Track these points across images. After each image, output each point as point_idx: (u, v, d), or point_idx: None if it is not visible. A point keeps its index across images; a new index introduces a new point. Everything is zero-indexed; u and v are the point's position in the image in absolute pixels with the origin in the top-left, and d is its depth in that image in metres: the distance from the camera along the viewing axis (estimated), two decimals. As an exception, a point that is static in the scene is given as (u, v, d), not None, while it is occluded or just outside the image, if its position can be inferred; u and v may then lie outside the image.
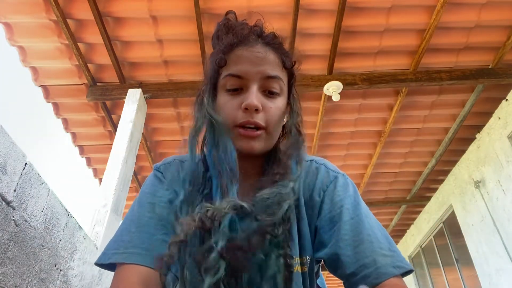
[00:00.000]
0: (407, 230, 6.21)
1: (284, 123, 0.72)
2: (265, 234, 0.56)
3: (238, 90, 0.67)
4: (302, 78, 3.21)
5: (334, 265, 0.61)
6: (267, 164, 0.70)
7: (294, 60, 0.72)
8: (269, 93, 0.68)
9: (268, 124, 0.66)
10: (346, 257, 0.59)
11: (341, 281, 0.61)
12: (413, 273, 6.11)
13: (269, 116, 0.66)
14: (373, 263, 0.57)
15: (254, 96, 0.65)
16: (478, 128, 4.05)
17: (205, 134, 0.71)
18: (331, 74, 3.20)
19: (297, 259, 0.64)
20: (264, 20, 0.74)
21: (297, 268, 0.63)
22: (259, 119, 0.65)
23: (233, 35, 0.70)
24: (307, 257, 0.65)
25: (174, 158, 0.76)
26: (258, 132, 0.65)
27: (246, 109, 0.64)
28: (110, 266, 0.62)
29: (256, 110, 0.64)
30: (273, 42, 0.70)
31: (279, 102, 0.68)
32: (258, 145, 0.66)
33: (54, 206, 1.63)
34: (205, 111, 0.68)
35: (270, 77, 0.67)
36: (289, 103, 0.73)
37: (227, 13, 0.75)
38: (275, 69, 0.68)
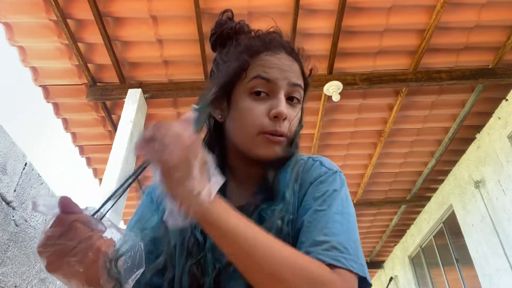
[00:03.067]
0: (407, 230, 6.20)
1: None
2: None
3: (264, 95, 0.66)
4: (302, 78, 3.21)
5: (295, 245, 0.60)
6: (267, 170, 0.68)
7: (311, 71, 0.74)
8: (290, 100, 0.68)
9: (289, 132, 0.67)
10: (299, 240, 0.59)
11: None
12: (413, 273, 6.13)
13: (292, 126, 0.67)
14: (315, 252, 0.54)
15: (284, 104, 0.65)
16: (478, 128, 4.05)
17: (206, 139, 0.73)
18: (331, 74, 3.20)
19: None
20: (265, 21, 0.75)
21: None
22: (284, 128, 0.66)
23: (257, 40, 0.71)
24: None
25: None
26: (282, 138, 0.66)
27: (275, 117, 0.65)
28: None
29: (284, 118, 0.65)
30: (294, 52, 0.72)
31: (297, 110, 0.70)
32: (280, 151, 0.66)
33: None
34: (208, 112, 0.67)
35: (295, 85, 0.68)
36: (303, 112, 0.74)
37: (224, 12, 0.76)
38: (298, 78, 0.70)
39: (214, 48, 0.78)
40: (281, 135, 0.65)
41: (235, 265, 0.51)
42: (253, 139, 0.65)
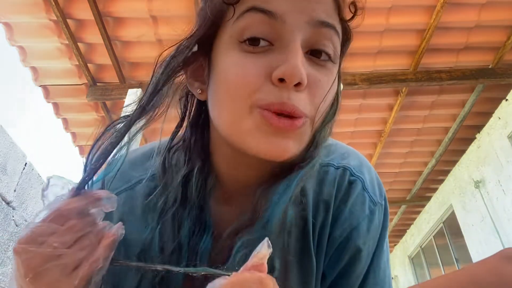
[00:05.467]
0: (407, 230, 6.20)
1: None
2: None
3: (264, 44, 0.39)
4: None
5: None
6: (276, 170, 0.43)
7: (355, 7, 0.44)
8: (316, 56, 0.40)
9: (315, 110, 0.39)
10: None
11: None
12: (413, 273, 6.14)
13: (318, 97, 0.39)
14: None
15: (300, 58, 0.37)
16: (478, 128, 4.05)
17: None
18: (331, 74, 3.19)
19: None
20: None
21: None
22: (300, 102, 0.38)
23: None
24: None
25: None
26: (299, 121, 0.38)
27: (281, 80, 0.37)
28: None
29: (299, 84, 0.37)
30: None
31: (331, 76, 0.41)
32: (294, 146, 0.39)
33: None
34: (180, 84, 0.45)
35: (324, 25, 0.40)
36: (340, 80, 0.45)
37: None
38: (330, 15, 0.41)
39: None
40: (293, 115, 0.38)
41: None
42: (243, 119, 0.39)
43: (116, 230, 0.37)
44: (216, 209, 0.46)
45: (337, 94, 0.45)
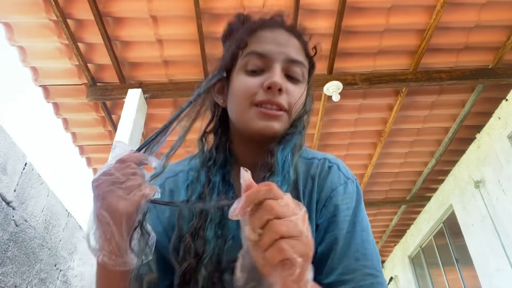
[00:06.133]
0: (407, 230, 6.21)
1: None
2: None
3: (259, 72, 0.63)
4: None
5: (315, 269, 0.53)
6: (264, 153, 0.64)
7: (315, 49, 0.69)
8: (290, 78, 0.64)
9: (290, 107, 0.62)
10: (328, 266, 0.58)
11: None
12: (413, 273, 6.13)
13: (292, 99, 0.63)
14: (352, 281, 0.56)
15: (279, 75, 0.61)
16: (478, 128, 4.05)
17: (213, 125, 0.71)
18: (331, 74, 3.20)
19: None
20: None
21: None
22: (281, 100, 0.61)
23: (254, 21, 0.69)
24: None
25: (166, 177, 0.71)
26: (281, 113, 0.61)
27: (268, 88, 0.60)
28: None
29: (280, 90, 0.60)
30: (295, 30, 0.68)
31: (301, 89, 0.65)
32: (278, 126, 0.62)
33: (54, 206, 1.63)
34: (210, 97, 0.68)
35: (294, 61, 0.64)
36: (310, 91, 0.70)
37: (237, 14, 0.75)
38: (299, 54, 0.65)
39: (224, 42, 0.75)
40: (277, 108, 0.61)
41: None
42: (247, 112, 0.62)
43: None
44: (236, 178, 0.66)
45: (306, 100, 0.68)
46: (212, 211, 0.60)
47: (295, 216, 0.40)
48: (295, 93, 0.63)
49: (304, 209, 0.42)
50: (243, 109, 0.62)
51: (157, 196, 0.52)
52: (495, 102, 3.72)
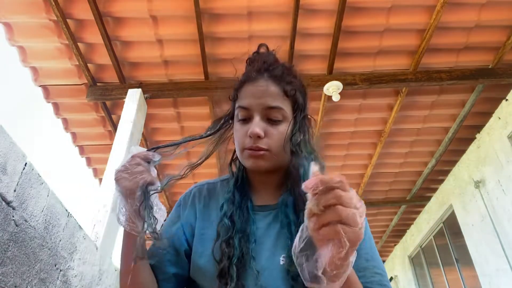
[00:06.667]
0: (407, 230, 6.21)
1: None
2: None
3: (247, 120, 0.78)
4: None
5: None
6: (285, 177, 0.81)
7: (294, 89, 0.80)
8: (272, 121, 0.77)
9: (271, 147, 0.76)
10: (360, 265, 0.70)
11: None
12: (413, 273, 6.14)
13: (272, 141, 0.76)
14: (363, 277, 0.69)
15: (255, 126, 0.75)
16: (478, 128, 4.05)
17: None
18: (331, 74, 3.20)
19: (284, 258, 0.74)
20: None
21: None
22: (263, 144, 0.75)
23: (244, 73, 0.84)
24: None
25: (207, 182, 0.93)
26: (262, 152, 0.76)
27: (250, 136, 0.76)
28: None
29: (258, 137, 0.75)
30: (275, 74, 0.80)
31: (282, 128, 0.77)
32: (264, 163, 0.77)
33: (54, 206, 1.63)
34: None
35: (271, 108, 0.77)
36: (296, 125, 0.80)
37: (259, 47, 0.86)
38: (275, 100, 0.77)
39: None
40: (259, 150, 0.75)
41: None
42: (241, 154, 0.79)
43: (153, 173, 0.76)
44: (254, 195, 0.84)
45: (294, 129, 0.79)
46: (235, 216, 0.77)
47: (356, 210, 0.48)
48: (274, 135, 0.76)
49: (364, 206, 0.49)
50: (239, 152, 0.79)
51: (156, 183, 0.74)
52: (495, 102, 3.72)
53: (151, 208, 0.72)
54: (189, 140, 0.82)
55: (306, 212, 0.50)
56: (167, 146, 0.79)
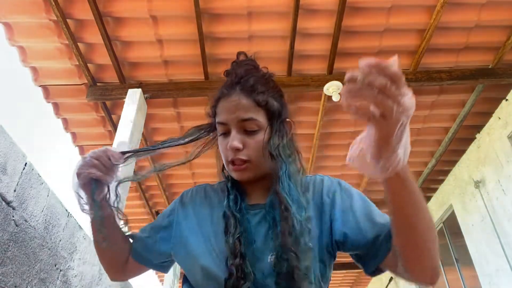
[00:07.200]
0: (407, 230, 6.20)
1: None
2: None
3: (226, 134, 0.82)
4: (302, 78, 3.22)
5: (355, 239, 0.77)
6: (272, 181, 0.83)
7: (266, 99, 0.82)
8: (248, 132, 0.81)
9: (251, 157, 0.80)
10: (367, 227, 0.77)
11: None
12: (413, 273, 6.13)
13: (251, 151, 0.80)
14: (386, 227, 0.75)
15: (233, 139, 0.79)
16: (478, 128, 4.05)
17: None
18: (331, 74, 3.20)
19: None
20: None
21: None
22: (243, 155, 0.79)
23: (219, 90, 0.87)
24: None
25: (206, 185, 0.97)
26: (244, 165, 0.80)
27: (231, 149, 0.80)
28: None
29: (237, 149, 0.79)
30: (245, 87, 0.82)
31: (259, 137, 0.81)
32: (247, 175, 0.81)
33: (54, 206, 1.63)
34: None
35: (244, 120, 0.80)
36: (273, 131, 0.84)
37: (237, 55, 0.90)
38: (248, 112, 0.80)
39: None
40: (241, 162, 0.80)
41: (408, 220, 0.65)
42: (227, 167, 0.83)
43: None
44: (248, 199, 0.87)
45: (268, 140, 0.81)
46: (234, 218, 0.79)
47: (398, 105, 0.50)
48: (252, 144, 0.80)
49: (410, 108, 0.51)
50: (226, 165, 0.83)
51: (106, 181, 0.81)
52: (495, 102, 3.72)
53: (99, 200, 0.81)
54: (165, 147, 0.86)
55: (347, 76, 0.50)
56: (144, 151, 0.87)
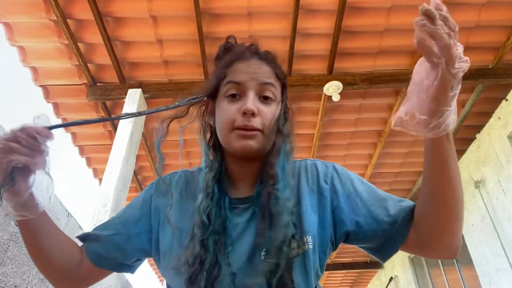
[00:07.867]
0: (407, 230, 6.20)
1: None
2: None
3: (237, 97, 0.74)
4: (302, 78, 3.22)
5: (370, 228, 0.74)
6: (263, 166, 0.76)
7: (283, 73, 0.81)
8: (264, 99, 0.75)
9: (264, 127, 0.73)
10: (380, 214, 0.75)
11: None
12: (413, 273, 6.13)
13: (265, 120, 0.73)
14: (402, 208, 0.76)
15: (251, 101, 0.72)
16: (478, 128, 4.05)
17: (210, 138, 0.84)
18: (331, 74, 3.20)
19: (295, 243, 0.71)
20: (261, 42, 0.84)
21: (297, 250, 0.71)
22: (256, 123, 0.72)
23: (232, 53, 0.81)
24: (308, 237, 0.73)
25: (182, 171, 0.88)
26: (254, 132, 0.72)
27: (244, 113, 0.71)
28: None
29: (253, 114, 0.71)
30: (266, 57, 0.80)
31: (273, 107, 0.76)
32: (255, 144, 0.72)
33: (54, 206, 1.63)
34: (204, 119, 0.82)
35: (265, 83, 0.75)
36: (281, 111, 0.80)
37: (227, 38, 0.85)
38: (269, 77, 0.76)
39: (215, 64, 0.87)
40: (252, 129, 0.71)
41: (451, 182, 0.68)
42: (228, 135, 0.73)
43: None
44: (230, 187, 0.80)
45: (280, 114, 0.76)
46: (215, 224, 0.71)
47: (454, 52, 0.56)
48: (267, 114, 0.74)
49: (460, 61, 0.56)
50: (226, 133, 0.74)
51: (34, 165, 0.61)
52: (495, 102, 3.72)
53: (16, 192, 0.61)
54: (106, 119, 0.76)
55: (422, 7, 0.54)
56: (73, 125, 0.72)
